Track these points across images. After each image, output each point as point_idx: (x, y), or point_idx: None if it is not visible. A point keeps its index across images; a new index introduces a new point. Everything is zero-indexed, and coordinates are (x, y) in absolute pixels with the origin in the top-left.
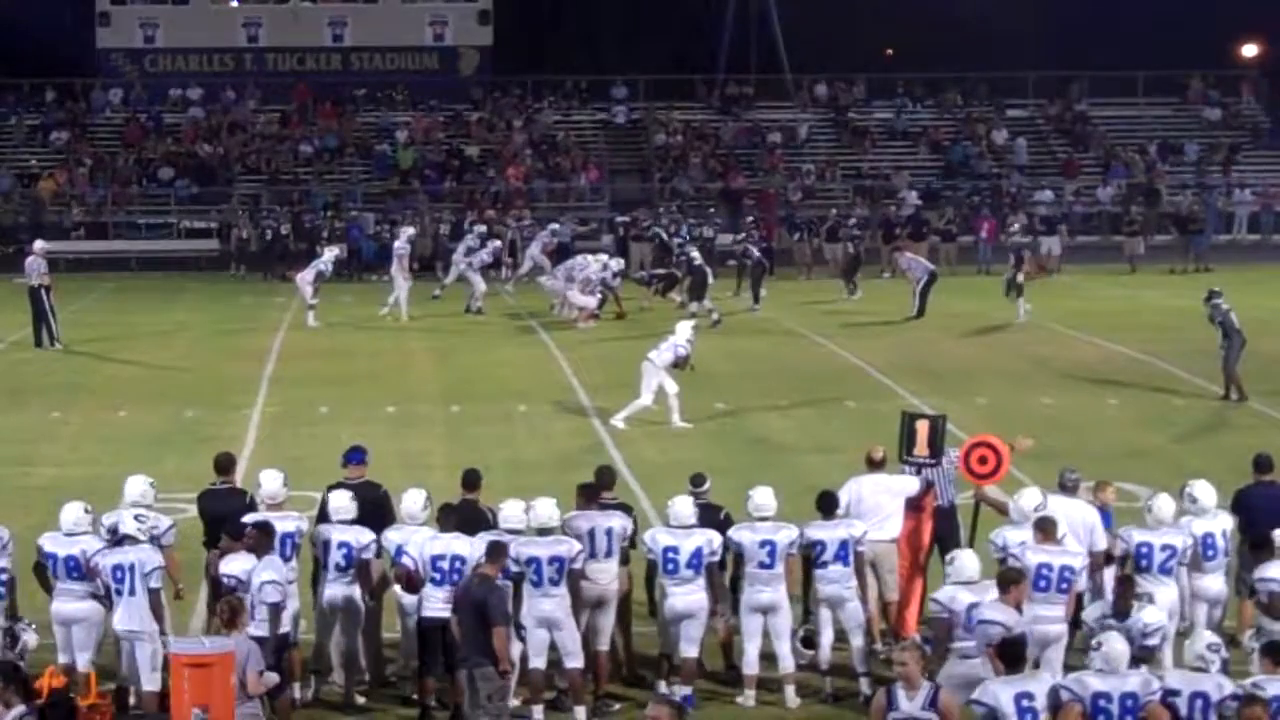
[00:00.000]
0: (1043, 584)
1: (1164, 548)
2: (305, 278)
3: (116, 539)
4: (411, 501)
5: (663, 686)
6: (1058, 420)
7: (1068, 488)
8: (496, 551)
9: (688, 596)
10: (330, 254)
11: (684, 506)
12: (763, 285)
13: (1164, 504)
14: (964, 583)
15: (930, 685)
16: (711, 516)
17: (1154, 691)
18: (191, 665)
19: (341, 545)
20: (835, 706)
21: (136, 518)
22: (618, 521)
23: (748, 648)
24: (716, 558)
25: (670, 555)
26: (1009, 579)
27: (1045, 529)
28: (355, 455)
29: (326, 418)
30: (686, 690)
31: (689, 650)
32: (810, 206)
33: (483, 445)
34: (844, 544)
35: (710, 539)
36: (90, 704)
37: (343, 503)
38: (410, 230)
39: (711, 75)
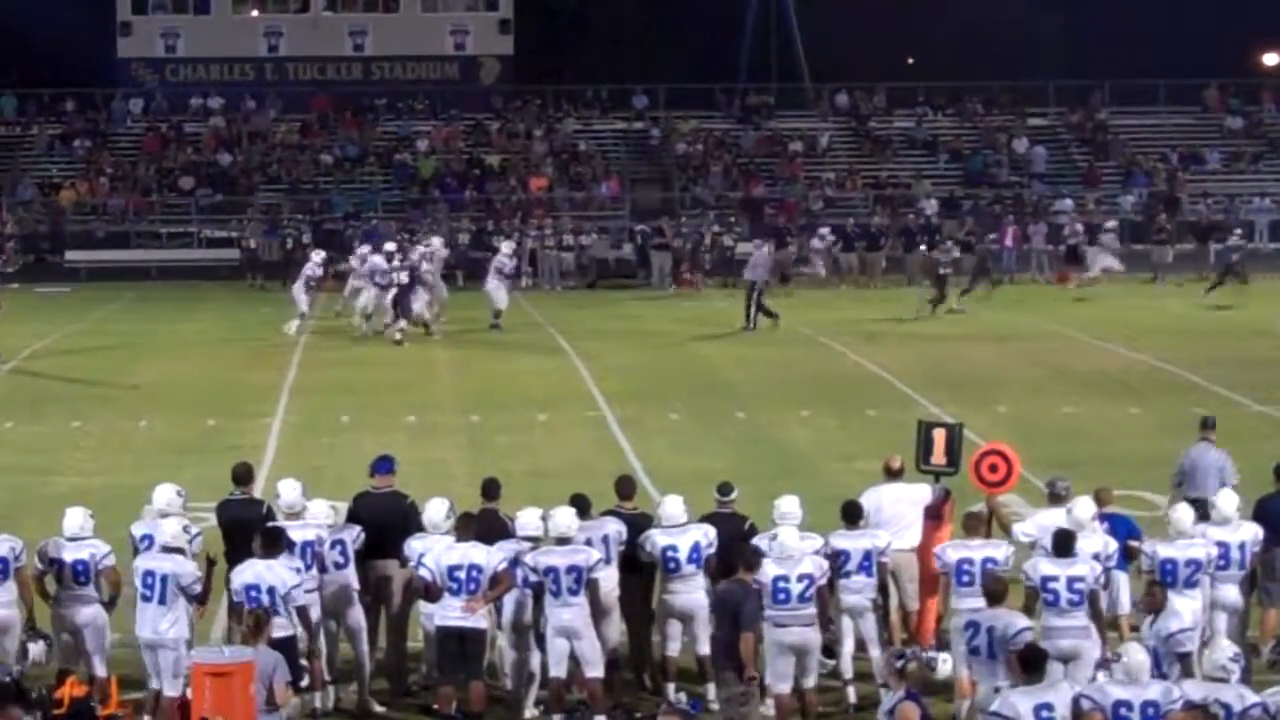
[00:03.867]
0: (965, 579)
1: (1189, 562)
2: (298, 286)
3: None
4: (434, 511)
5: (671, 691)
6: (1079, 429)
7: (1060, 496)
8: (752, 554)
9: (689, 595)
10: (318, 257)
11: (673, 506)
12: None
13: (1183, 513)
14: (780, 558)
15: (897, 693)
16: (736, 525)
17: (1175, 700)
18: (212, 674)
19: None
20: (857, 714)
21: (185, 528)
22: (613, 528)
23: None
24: (713, 549)
25: (670, 554)
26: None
27: (967, 525)
28: (383, 465)
29: (347, 427)
30: (711, 691)
31: (701, 649)
32: (831, 215)
33: (503, 454)
34: (867, 554)
35: (706, 531)
36: (110, 714)
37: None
38: (437, 240)
39: (732, 84)
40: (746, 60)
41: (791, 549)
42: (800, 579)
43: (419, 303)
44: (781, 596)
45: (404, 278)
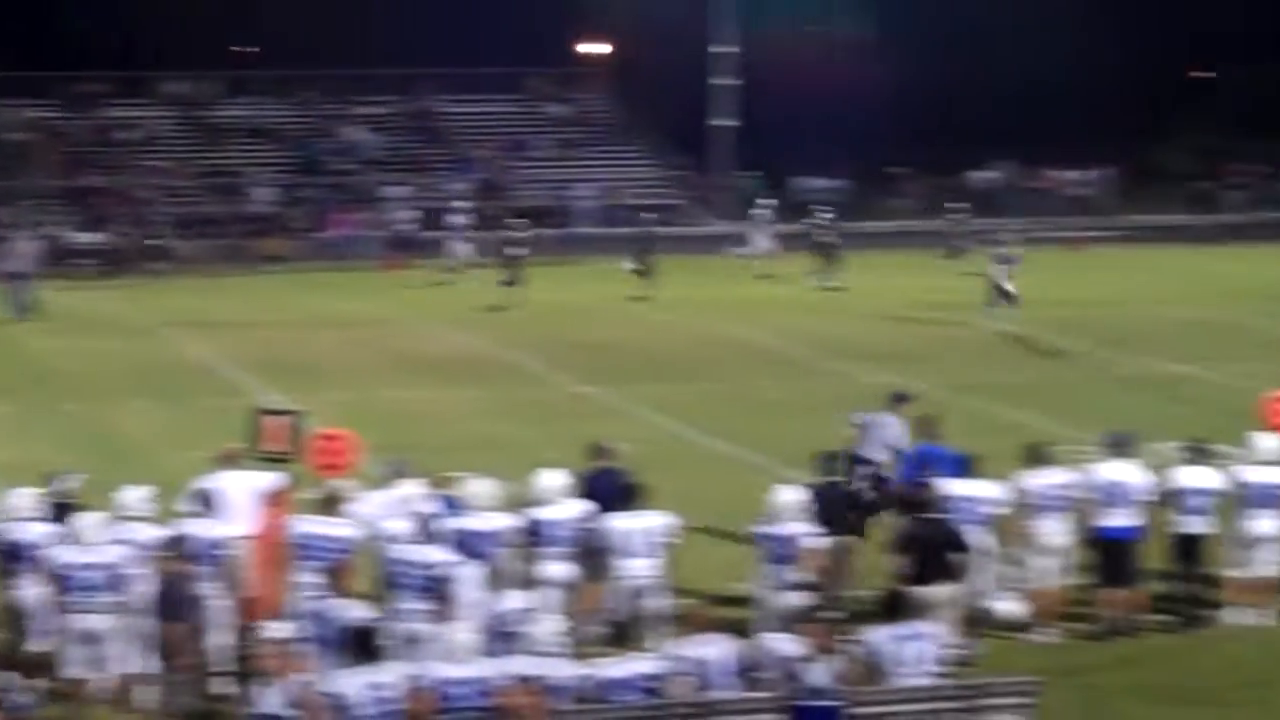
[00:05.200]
0: (309, 555)
1: (478, 532)
2: None
3: None
4: None
5: None
6: (414, 413)
7: (395, 479)
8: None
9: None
10: None
11: (21, 500)
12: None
13: (478, 488)
14: (84, 546)
15: (284, 679)
16: (54, 515)
17: (502, 677)
18: None
19: None
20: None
21: None
22: None
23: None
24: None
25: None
26: None
27: (313, 506)
28: None
29: None
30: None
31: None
32: (168, 205)
33: None
34: (210, 544)
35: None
36: None
37: None
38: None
39: (64, 72)
40: (79, 47)
41: (93, 538)
42: (95, 566)
43: None
44: (81, 584)
45: None
